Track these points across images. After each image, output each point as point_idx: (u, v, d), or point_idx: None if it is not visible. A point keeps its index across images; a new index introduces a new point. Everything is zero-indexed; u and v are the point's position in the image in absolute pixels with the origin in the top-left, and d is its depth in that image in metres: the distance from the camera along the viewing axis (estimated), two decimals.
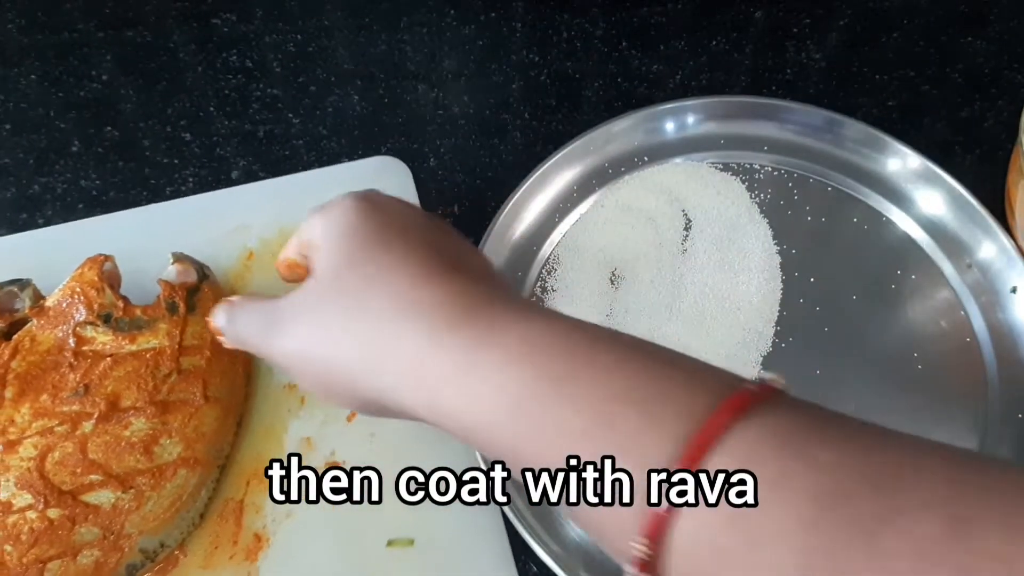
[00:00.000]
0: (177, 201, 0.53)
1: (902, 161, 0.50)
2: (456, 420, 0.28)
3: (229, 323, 0.35)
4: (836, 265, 0.48)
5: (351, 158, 0.54)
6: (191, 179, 0.54)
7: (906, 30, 0.59)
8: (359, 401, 0.31)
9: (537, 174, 0.50)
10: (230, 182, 0.54)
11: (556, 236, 0.50)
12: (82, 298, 0.41)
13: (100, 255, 0.43)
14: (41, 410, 0.38)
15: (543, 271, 0.49)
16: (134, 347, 0.40)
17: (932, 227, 0.49)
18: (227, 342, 0.36)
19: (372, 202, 0.33)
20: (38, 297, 0.46)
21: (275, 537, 0.42)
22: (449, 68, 0.59)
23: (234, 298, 0.36)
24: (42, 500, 0.37)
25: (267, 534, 0.42)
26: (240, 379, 0.44)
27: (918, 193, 0.50)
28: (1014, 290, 0.46)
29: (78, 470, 0.37)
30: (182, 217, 0.52)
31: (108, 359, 0.40)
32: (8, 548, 0.36)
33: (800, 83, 0.57)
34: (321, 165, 0.54)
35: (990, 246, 0.47)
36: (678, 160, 0.52)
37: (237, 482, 0.43)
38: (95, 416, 0.38)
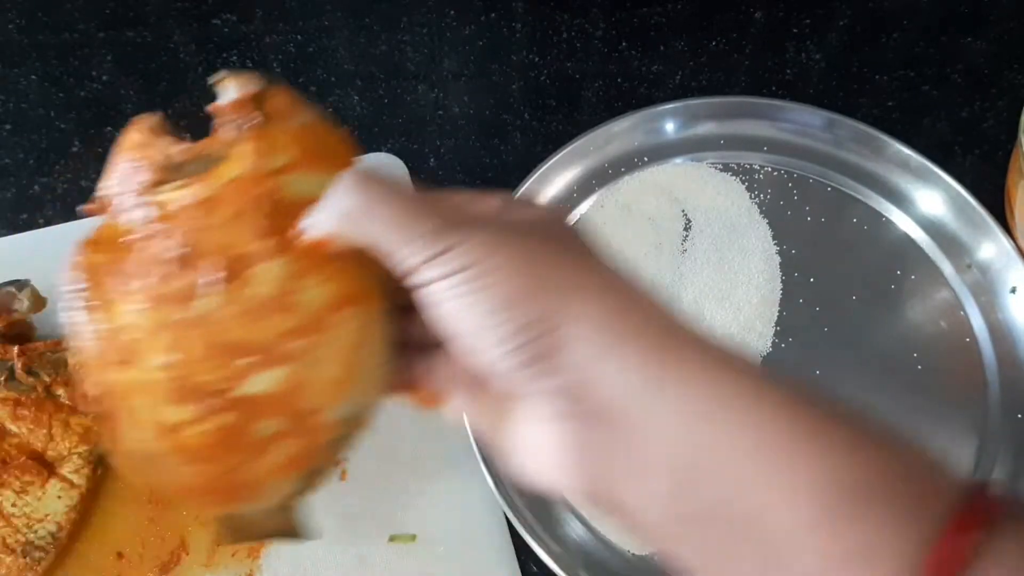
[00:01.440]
0: None
1: (902, 161, 0.50)
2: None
3: (359, 221, 0.25)
4: (836, 265, 0.48)
5: None
6: None
7: (906, 30, 0.59)
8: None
9: (537, 174, 0.50)
10: None
11: None
12: (136, 164, 0.31)
13: (144, 120, 0.33)
14: (147, 298, 0.29)
15: None
16: (218, 184, 0.30)
17: (932, 227, 0.49)
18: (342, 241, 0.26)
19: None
20: (37, 297, 0.46)
21: None
22: (449, 68, 0.59)
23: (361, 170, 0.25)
24: (200, 408, 0.28)
25: None
26: None
27: (918, 193, 0.50)
28: (1014, 290, 0.46)
29: (223, 359, 0.28)
30: None
31: (196, 211, 0.29)
32: (191, 468, 0.30)
33: (800, 83, 0.57)
34: None
35: (990, 246, 0.47)
36: (678, 160, 0.52)
37: None
38: (212, 282, 0.28)
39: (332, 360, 0.29)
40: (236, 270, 0.28)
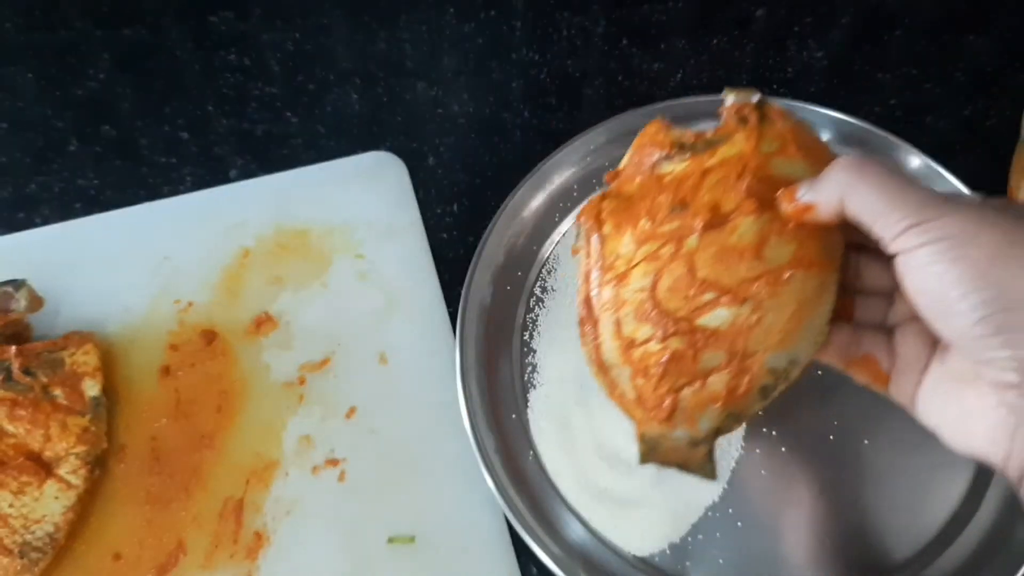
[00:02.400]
0: (173, 199, 0.52)
1: (904, 160, 0.50)
2: None
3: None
4: None
5: (350, 156, 0.54)
6: (189, 178, 0.54)
7: (908, 29, 0.59)
8: None
9: (537, 174, 0.50)
10: (228, 181, 0.53)
11: (556, 236, 0.50)
12: (651, 145, 0.38)
13: (660, 119, 0.40)
14: (643, 236, 0.36)
15: (543, 271, 0.49)
16: (715, 160, 0.36)
17: None
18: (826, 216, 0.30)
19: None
20: (34, 297, 0.46)
21: (275, 535, 0.42)
22: (449, 66, 0.59)
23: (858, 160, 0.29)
24: (661, 330, 0.35)
25: (267, 532, 0.42)
26: None
27: None
28: None
29: (690, 292, 0.34)
30: (178, 215, 0.52)
31: (697, 177, 0.36)
32: (640, 381, 0.35)
33: (802, 81, 0.57)
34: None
35: None
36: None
37: (237, 480, 0.43)
38: (699, 228, 0.35)
39: (783, 310, 0.34)
40: (721, 221, 0.34)
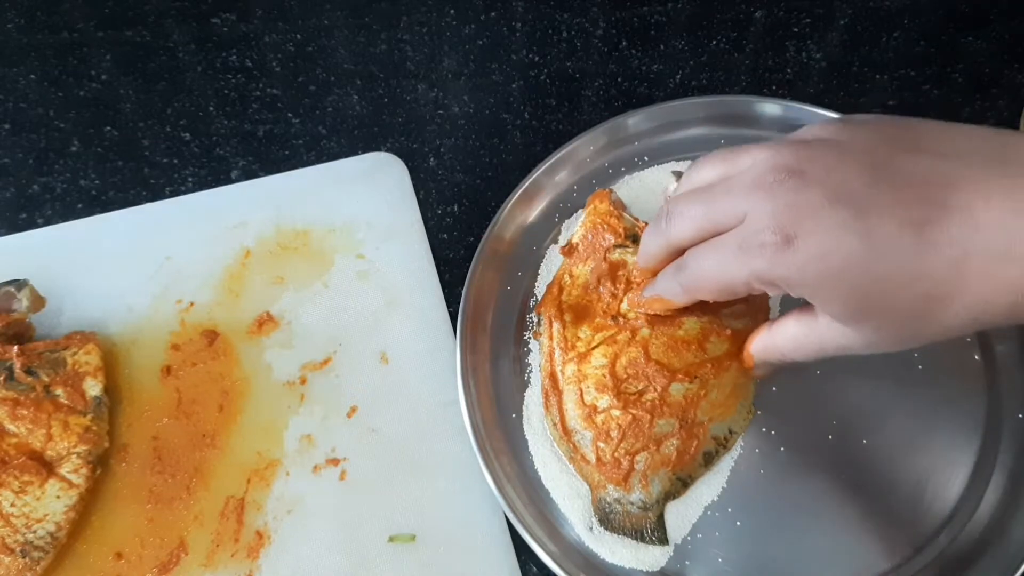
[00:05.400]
0: (175, 200, 0.53)
1: None
2: None
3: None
4: None
5: (351, 157, 0.54)
6: (190, 179, 0.54)
7: (907, 30, 0.59)
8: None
9: (537, 173, 0.50)
10: (229, 182, 0.54)
11: (556, 236, 0.50)
12: (605, 227, 0.44)
13: (606, 190, 0.46)
14: (599, 326, 0.42)
15: (543, 271, 0.49)
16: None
17: None
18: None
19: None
20: (36, 297, 0.46)
21: (276, 534, 0.42)
22: (449, 67, 0.59)
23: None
24: (620, 400, 0.40)
25: (268, 531, 0.42)
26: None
27: None
28: None
29: (647, 370, 0.40)
30: (180, 216, 0.52)
31: (643, 273, 0.41)
32: (601, 444, 0.40)
33: (800, 83, 0.57)
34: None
35: None
36: (678, 160, 0.52)
37: (238, 479, 0.43)
38: (650, 323, 0.41)
39: (724, 389, 0.40)
40: (670, 319, 0.41)
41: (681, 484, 0.40)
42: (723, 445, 0.41)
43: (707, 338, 0.40)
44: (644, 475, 0.39)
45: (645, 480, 0.39)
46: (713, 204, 0.33)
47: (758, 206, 0.31)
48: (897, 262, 0.29)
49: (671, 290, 0.38)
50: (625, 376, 0.40)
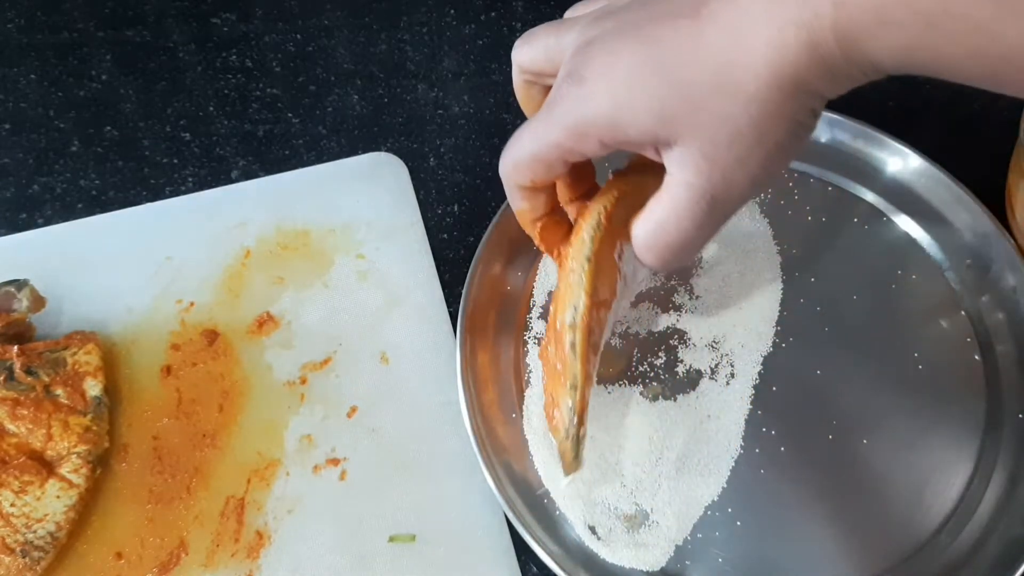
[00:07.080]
0: (175, 200, 0.53)
1: (902, 161, 0.50)
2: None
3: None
4: (836, 265, 0.48)
5: (351, 157, 0.54)
6: (191, 179, 0.54)
7: None
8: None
9: None
10: (230, 182, 0.54)
11: None
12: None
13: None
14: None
15: (543, 271, 0.49)
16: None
17: (932, 227, 0.49)
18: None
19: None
20: (36, 297, 0.46)
21: (276, 534, 0.42)
22: (449, 67, 0.59)
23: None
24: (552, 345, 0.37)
25: (268, 531, 0.42)
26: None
27: (918, 193, 0.50)
28: (1014, 290, 0.46)
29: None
30: (180, 216, 0.52)
31: None
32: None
33: None
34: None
35: (990, 246, 0.47)
36: None
37: (238, 480, 0.43)
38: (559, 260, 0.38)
39: (566, 279, 0.37)
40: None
41: (576, 392, 0.37)
42: (573, 328, 0.36)
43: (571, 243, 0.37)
44: (555, 402, 0.37)
45: (558, 407, 0.37)
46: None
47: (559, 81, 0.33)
48: (677, 48, 0.29)
49: (510, 193, 0.36)
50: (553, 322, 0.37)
